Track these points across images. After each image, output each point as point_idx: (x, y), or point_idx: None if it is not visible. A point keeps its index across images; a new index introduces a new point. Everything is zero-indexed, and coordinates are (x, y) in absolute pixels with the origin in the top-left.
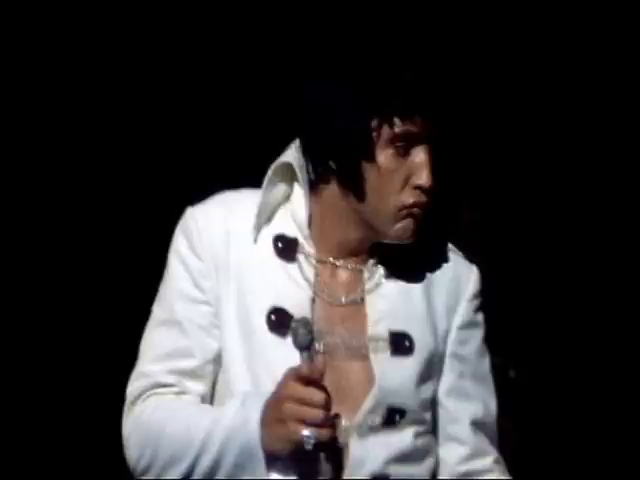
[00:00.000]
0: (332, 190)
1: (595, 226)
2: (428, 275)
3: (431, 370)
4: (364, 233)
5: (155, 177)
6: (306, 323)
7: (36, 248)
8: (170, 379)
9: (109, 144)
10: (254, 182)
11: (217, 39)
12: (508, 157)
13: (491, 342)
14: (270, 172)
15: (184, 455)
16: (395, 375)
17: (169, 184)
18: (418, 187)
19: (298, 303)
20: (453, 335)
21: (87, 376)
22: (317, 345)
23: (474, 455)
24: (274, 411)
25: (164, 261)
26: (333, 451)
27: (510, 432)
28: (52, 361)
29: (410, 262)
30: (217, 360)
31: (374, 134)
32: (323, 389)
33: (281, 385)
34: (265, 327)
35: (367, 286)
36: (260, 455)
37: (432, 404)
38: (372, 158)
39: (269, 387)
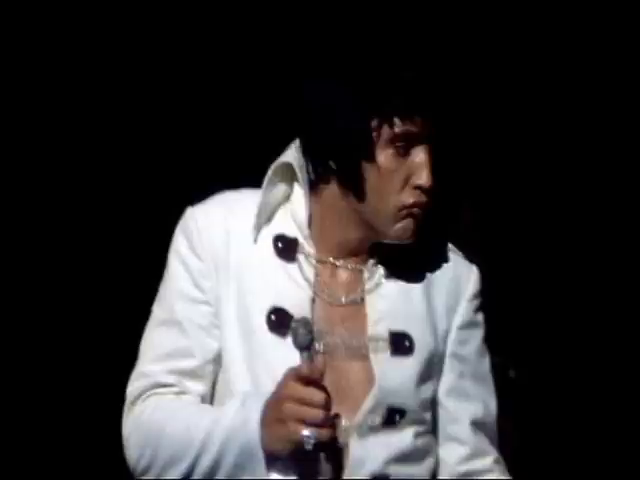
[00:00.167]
0: (332, 190)
1: (595, 226)
2: (428, 275)
3: (431, 370)
4: (364, 233)
5: (155, 177)
6: (306, 323)
7: (36, 248)
8: (170, 379)
9: (109, 145)
10: (254, 182)
11: (217, 39)
12: (508, 157)
13: (491, 342)
14: (270, 172)
15: (184, 455)
16: (395, 375)
17: (169, 184)
18: (418, 187)
19: (298, 303)
20: (453, 335)
21: (87, 376)
22: (317, 345)
23: (474, 455)
24: (274, 411)
25: (164, 261)
26: (333, 451)
27: (510, 432)
28: (52, 361)
29: (410, 262)
30: (217, 360)
31: (374, 134)
32: (323, 389)
33: (281, 385)
34: (265, 327)
35: (367, 286)
36: (260, 455)
37: (432, 404)
38: (372, 158)
39: (269, 387)
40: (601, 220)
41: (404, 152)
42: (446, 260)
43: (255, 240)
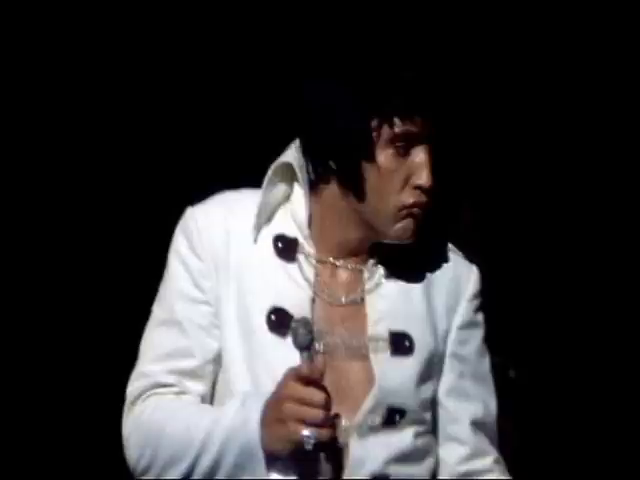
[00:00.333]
0: (332, 190)
1: (595, 226)
2: (428, 275)
3: (431, 370)
4: (364, 233)
5: (155, 177)
6: (306, 323)
7: (36, 248)
8: (170, 379)
9: (109, 145)
10: (254, 182)
11: (217, 39)
12: (508, 157)
13: (491, 342)
14: (270, 172)
15: (184, 455)
16: (395, 375)
17: (169, 184)
18: (418, 187)
19: (298, 303)
20: (453, 335)
21: (87, 376)
22: (317, 345)
23: (474, 455)
24: (274, 411)
25: (164, 261)
26: (333, 451)
27: (510, 432)
28: (52, 361)
29: (410, 262)
30: (217, 360)
31: (374, 134)
32: (323, 389)
33: (281, 385)
34: (265, 327)
35: (367, 286)
36: (260, 455)
37: (432, 404)
38: (372, 158)
39: (269, 387)
40: (601, 220)
41: (404, 152)
42: (446, 260)
43: (255, 240)
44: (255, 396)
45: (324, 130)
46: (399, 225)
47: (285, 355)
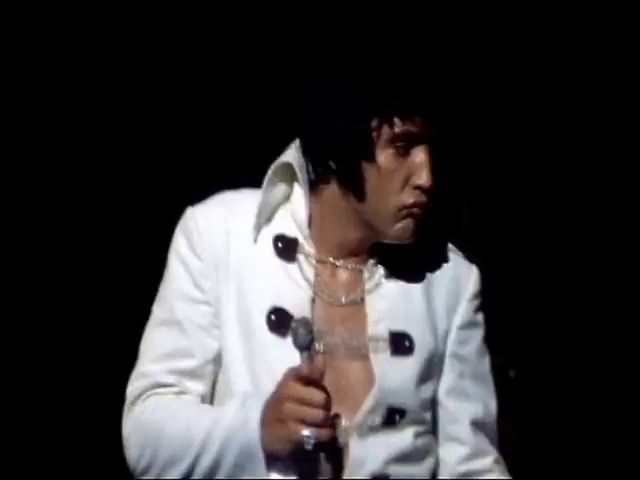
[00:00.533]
0: (332, 190)
1: (595, 226)
2: (428, 275)
3: (431, 370)
4: (364, 233)
5: (155, 177)
6: (306, 323)
7: (36, 248)
8: (170, 379)
9: (109, 145)
10: (254, 182)
11: (217, 39)
12: (508, 157)
13: (491, 342)
14: (270, 172)
15: (184, 455)
16: (395, 375)
17: (169, 184)
18: (418, 187)
19: (298, 303)
20: (453, 335)
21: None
22: (317, 345)
23: (474, 455)
24: (274, 411)
25: (164, 261)
26: (333, 451)
27: (510, 432)
28: (52, 361)
29: (410, 262)
30: (217, 360)
31: (374, 134)
32: (323, 389)
33: (281, 385)
34: (265, 327)
35: (367, 286)
36: (260, 455)
37: (432, 404)
38: (372, 158)
39: (269, 387)
40: (600, 220)
41: (404, 152)
42: (446, 260)
43: (255, 240)
44: (255, 396)
45: (324, 130)
46: (399, 225)
47: (285, 355)
